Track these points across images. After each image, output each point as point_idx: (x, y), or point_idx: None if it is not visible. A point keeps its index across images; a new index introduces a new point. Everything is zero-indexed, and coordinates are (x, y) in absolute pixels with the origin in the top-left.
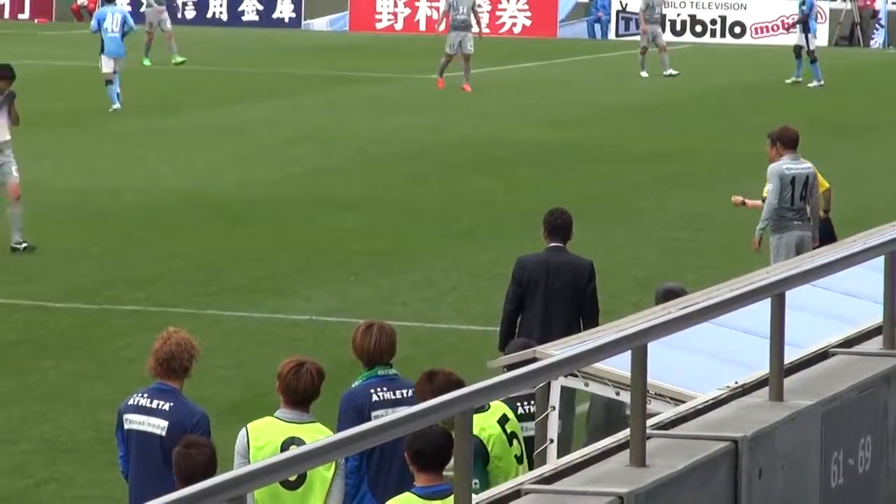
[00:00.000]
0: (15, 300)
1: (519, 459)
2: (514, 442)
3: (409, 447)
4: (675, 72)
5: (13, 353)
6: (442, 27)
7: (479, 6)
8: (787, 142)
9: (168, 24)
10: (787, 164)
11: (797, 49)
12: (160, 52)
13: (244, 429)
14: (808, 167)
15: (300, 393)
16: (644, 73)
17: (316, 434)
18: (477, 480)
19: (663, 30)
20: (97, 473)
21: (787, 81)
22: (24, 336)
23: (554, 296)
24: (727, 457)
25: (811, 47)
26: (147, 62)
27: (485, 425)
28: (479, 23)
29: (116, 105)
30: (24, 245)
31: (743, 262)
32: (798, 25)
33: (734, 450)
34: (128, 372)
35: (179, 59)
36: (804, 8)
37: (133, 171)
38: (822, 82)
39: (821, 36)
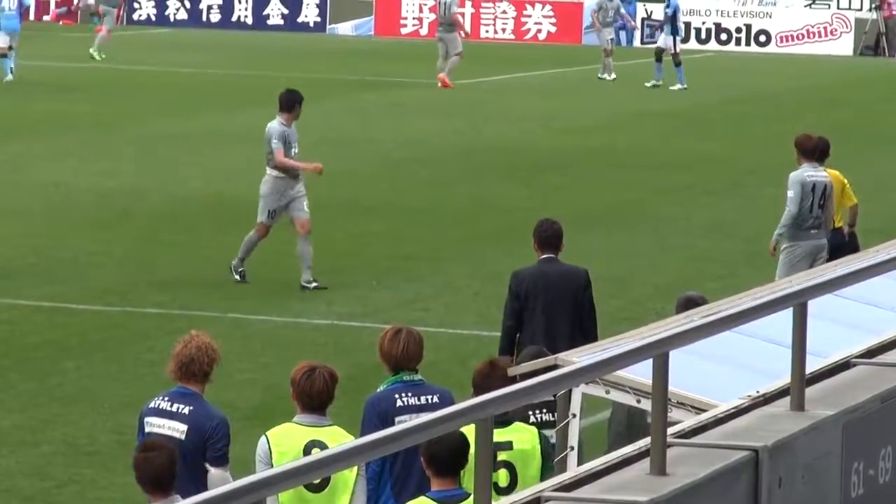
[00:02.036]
0: (37, 301)
1: (500, 490)
2: (502, 470)
3: (425, 452)
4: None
5: (35, 355)
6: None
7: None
8: (806, 151)
9: (112, 21)
10: (809, 172)
11: (658, 52)
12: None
13: (263, 437)
14: (826, 176)
15: (315, 397)
16: (607, 76)
17: (337, 437)
18: None
19: (687, 38)
20: (118, 476)
21: (647, 85)
22: (47, 337)
23: (554, 306)
24: (747, 466)
25: (676, 50)
26: (96, 56)
27: (524, 435)
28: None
29: (9, 77)
30: (315, 284)
31: (765, 270)
32: (664, 27)
33: (755, 459)
34: (150, 375)
35: (97, 55)
36: (668, 10)
37: (157, 173)
38: (686, 86)
39: (846, 45)
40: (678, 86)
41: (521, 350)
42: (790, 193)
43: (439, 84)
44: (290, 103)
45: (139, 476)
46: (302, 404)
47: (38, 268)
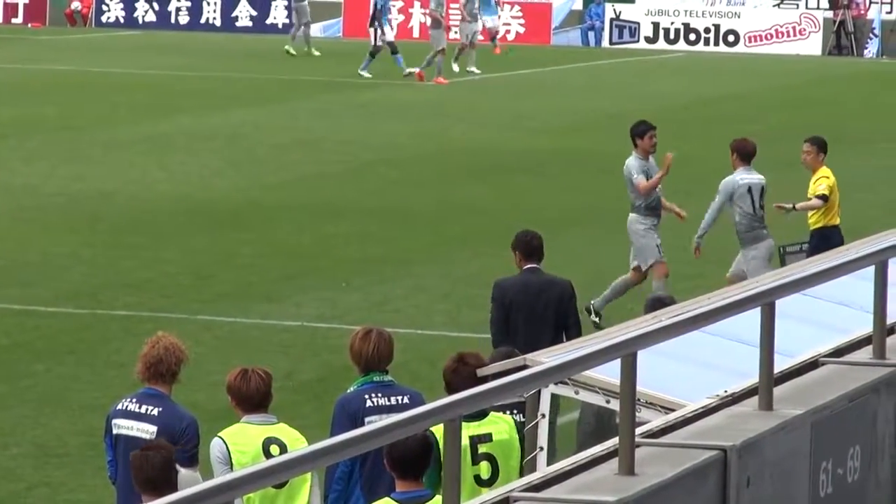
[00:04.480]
0: (6, 304)
1: (483, 482)
2: (483, 463)
3: (388, 455)
4: (475, 72)
5: (4, 358)
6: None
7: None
8: (745, 155)
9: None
10: (742, 176)
11: (391, 45)
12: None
13: (217, 438)
14: (760, 177)
15: (254, 396)
16: (475, 69)
17: (288, 433)
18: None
19: (656, 38)
20: (87, 478)
21: (405, 75)
22: (16, 340)
23: (538, 317)
24: (716, 465)
25: (377, 43)
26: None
27: (502, 426)
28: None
29: None
30: (595, 319)
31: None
32: (374, 22)
33: (723, 458)
34: (119, 377)
35: (292, 50)
36: (379, 3)
37: (125, 176)
38: (369, 75)
39: (814, 45)
40: (406, 71)
41: None
42: (716, 200)
43: (433, 82)
44: (635, 132)
45: (134, 474)
46: (243, 407)
47: (7, 270)
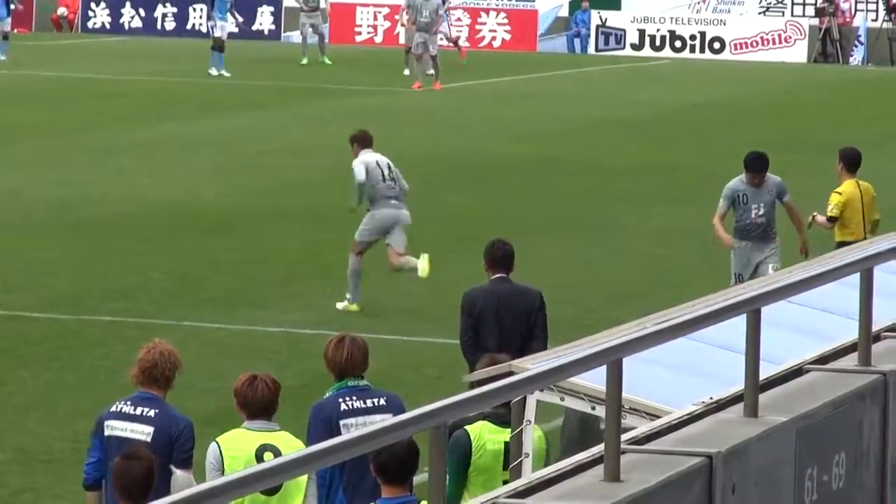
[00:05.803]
0: None
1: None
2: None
3: (374, 460)
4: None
5: None
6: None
7: (443, 12)
8: (365, 142)
9: (321, 28)
10: (366, 158)
11: (218, 40)
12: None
13: (214, 443)
14: (383, 156)
15: (258, 403)
16: (406, 72)
17: (287, 441)
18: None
19: (642, 45)
20: (73, 483)
21: (213, 73)
22: (1, 346)
23: (506, 326)
24: (701, 472)
25: (215, 35)
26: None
27: (489, 436)
28: (440, 27)
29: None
30: None
31: (721, 277)
32: (217, 16)
33: (708, 465)
34: (105, 382)
35: (328, 61)
36: None
37: (112, 182)
38: (226, 73)
39: (800, 52)
40: (222, 72)
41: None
42: (356, 171)
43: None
44: (747, 163)
45: (113, 482)
46: (247, 413)
47: None
